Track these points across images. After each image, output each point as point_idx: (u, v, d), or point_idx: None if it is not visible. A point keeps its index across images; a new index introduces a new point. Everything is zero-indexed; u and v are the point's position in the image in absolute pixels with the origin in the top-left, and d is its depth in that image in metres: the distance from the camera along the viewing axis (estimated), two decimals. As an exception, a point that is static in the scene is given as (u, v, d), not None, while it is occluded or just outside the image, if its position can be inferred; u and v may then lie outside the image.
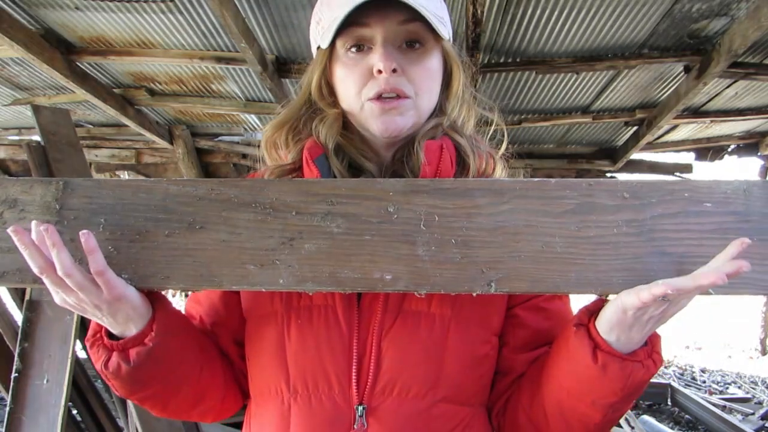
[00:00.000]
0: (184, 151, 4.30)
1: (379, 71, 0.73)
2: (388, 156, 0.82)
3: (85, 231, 0.64)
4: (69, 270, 0.63)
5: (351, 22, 0.72)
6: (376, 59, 0.73)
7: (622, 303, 0.64)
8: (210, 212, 0.68)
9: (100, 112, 3.75)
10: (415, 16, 0.72)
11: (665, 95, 3.33)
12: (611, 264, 0.67)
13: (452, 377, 0.74)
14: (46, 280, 0.65)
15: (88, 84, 3.06)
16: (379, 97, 0.74)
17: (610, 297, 0.68)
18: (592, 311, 0.70)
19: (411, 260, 0.67)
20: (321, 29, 0.78)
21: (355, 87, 0.76)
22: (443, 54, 0.80)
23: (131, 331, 0.70)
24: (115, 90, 3.41)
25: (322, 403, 0.73)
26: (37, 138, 2.28)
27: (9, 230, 0.64)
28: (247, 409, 0.86)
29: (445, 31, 0.77)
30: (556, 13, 2.39)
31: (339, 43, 0.76)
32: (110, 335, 0.72)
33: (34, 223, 0.65)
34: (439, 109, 0.83)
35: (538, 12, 2.38)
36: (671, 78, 3.10)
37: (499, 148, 0.87)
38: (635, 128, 3.88)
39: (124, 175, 5.32)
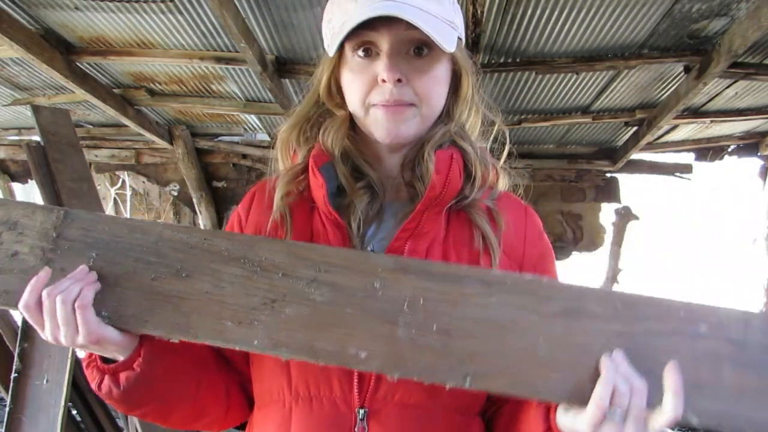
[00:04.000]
0: (183, 151, 4.30)
1: (383, 80, 0.73)
2: (393, 162, 0.82)
3: (83, 267, 0.66)
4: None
5: (359, 25, 0.71)
6: (381, 68, 0.73)
7: (572, 427, 0.64)
8: (199, 262, 0.68)
9: (100, 112, 3.75)
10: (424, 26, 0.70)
11: (665, 95, 3.33)
12: (594, 375, 0.62)
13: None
14: (28, 317, 0.66)
15: (88, 84, 3.06)
16: (384, 105, 0.75)
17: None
18: None
19: (389, 341, 0.65)
20: (331, 29, 0.77)
21: (360, 93, 0.76)
22: (452, 59, 0.79)
23: (119, 358, 0.71)
24: (114, 90, 3.41)
25: (323, 406, 0.73)
26: (36, 138, 2.28)
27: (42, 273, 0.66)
28: (251, 414, 0.86)
29: (454, 37, 0.76)
30: (556, 13, 2.39)
31: (347, 46, 0.76)
32: (105, 358, 0.73)
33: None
34: (446, 114, 0.82)
35: (538, 12, 2.38)
36: (671, 78, 3.09)
37: (500, 158, 0.87)
38: (635, 128, 3.88)
39: (124, 175, 5.32)
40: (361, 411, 0.72)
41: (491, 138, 0.89)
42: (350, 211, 0.78)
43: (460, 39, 0.79)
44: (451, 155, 0.78)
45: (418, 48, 0.74)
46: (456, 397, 0.75)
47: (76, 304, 0.64)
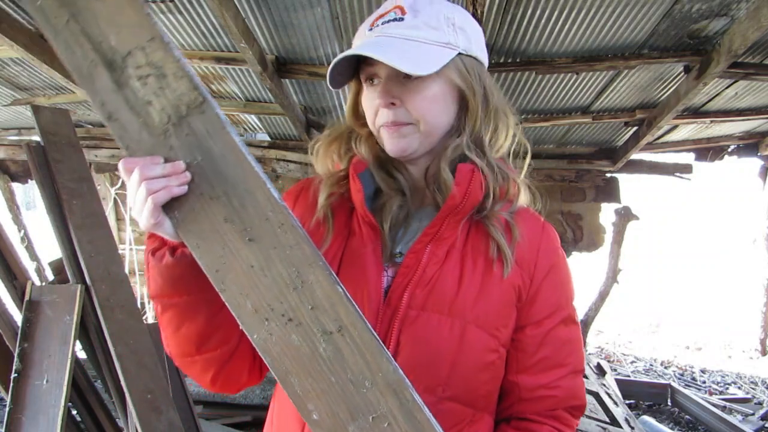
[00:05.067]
0: (184, 151, 4.29)
1: (380, 106, 0.83)
2: (416, 172, 0.90)
3: (180, 163, 0.68)
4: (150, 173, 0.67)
5: (362, 60, 0.83)
6: (376, 96, 0.82)
7: None
8: (265, 238, 0.69)
9: (100, 112, 3.75)
10: None
11: (665, 95, 3.33)
12: None
13: (461, 378, 0.79)
14: (121, 172, 0.69)
15: (88, 84, 3.05)
16: (387, 125, 0.84)
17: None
18: None
19: (339, 427, 0.67)
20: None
21: (370, 116, 0.86)
22: (451, 77, 0.83)
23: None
24: (115, 90, 3.41)
25: None
26: (36, 138, 2.28)
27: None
28: (275, 388, 0.92)
29: (442, 57, 0.81)
30: (556, 13, 2.39)
31: (362, 76, 0.86)
32: None
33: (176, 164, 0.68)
34: (458, 128, 0.87)
35: (538, 12, 2.38)
36: (671, 78, 3.10)
37: (521, 171, 0.93)
38: (635, 128, 3.88)
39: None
40: None
41: (511, 151, 0.93)
42: (383, 214, 0.87)
43: (464, 55, 0.84)
44: (473, 169, 0.84)
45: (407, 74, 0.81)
46: (465, 388, 0.81)
47: (150, 197, 0.67)
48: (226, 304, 0.70)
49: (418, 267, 0.82)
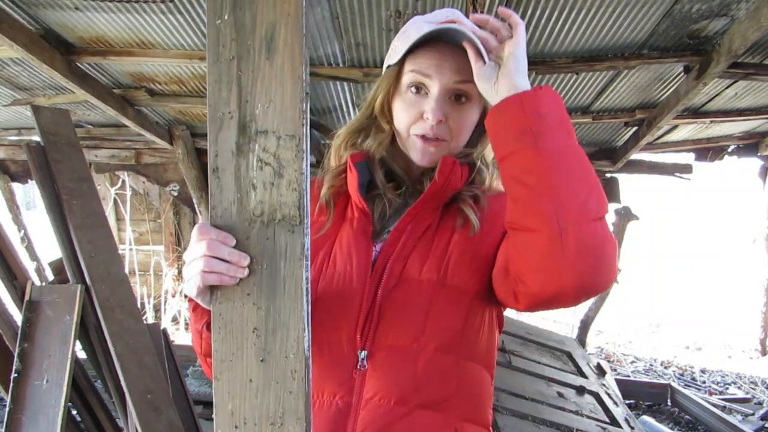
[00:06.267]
0: (183, 151, 4.30)
1: (428, 118, 0.90)
2: (416, 170, 0.99)
3: (247, 257, 0.68)
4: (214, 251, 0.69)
5: (416, 71, 0.90)
6: (429, 108, 0.90)
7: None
8: (275, 371, 0.70)
9: (100, 112, 3.75)
10: (468, 77, 0.86)
11: (665, 95, 3.33)
12: None
13: (436, 329, 0.88)
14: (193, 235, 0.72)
15: (88, 84, 3.06)
16: (423, 136, 0.92)
17: None
18: None
19: None
20: (393, 53, 0.94)
21: (407, 121, 0.93)
22: (483, 101, 0.94)
23: None
24: (115, 90, 3.41)
25: (332, 350, 0.89)
26: (36, 138, 2.28)
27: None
28: None
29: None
30: (556, 13, 2.39)
31: (404, 80, 0.93)
32: None
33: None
34: (472, 143, 0.97)
35: (538, 12, 2.38)
36: (671, 78, 3.10)
37: None
38: (635, 128, 3.88)
39: (124, 175, 5.32)
40: (363, 353, 0.88)
41: None
42: (375, 204, 0.97)
43: None
44: (454, 161, 0.93)
45: (458, 95, 0.91)
46: (440, 337, 0.88)
47: (201, 275, 0.69)
48: (214, 390, 0.71)
49: (398, 243, 0.93)
